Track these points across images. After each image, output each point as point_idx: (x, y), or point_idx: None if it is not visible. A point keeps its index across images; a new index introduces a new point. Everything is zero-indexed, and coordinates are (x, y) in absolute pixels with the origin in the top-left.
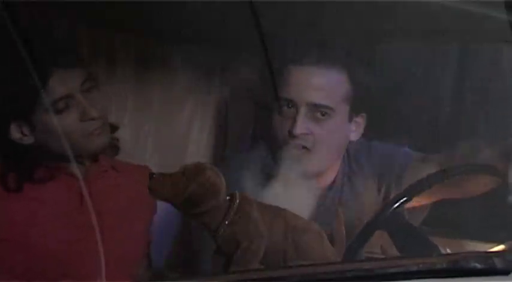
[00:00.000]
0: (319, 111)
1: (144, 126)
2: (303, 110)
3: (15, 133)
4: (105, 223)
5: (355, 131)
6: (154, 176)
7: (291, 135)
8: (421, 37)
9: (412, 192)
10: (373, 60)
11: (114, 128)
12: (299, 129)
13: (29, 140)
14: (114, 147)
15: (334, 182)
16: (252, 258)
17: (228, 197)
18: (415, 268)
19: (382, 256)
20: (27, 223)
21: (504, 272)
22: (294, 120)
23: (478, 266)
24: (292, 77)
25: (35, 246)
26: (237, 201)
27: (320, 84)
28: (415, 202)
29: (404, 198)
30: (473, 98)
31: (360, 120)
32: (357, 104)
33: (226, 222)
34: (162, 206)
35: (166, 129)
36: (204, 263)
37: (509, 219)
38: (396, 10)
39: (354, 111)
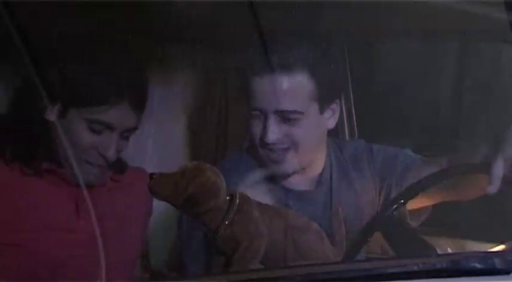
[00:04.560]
0: (289, 116)
1: (143, 127)
2: (272, 118)
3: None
4: (104, 225)
5: (331, 117)
6: (154, 176)
7: (264, 143)
8: (421, 37)
9: (410, 193)
10: (373, 60)
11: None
12: (271, 138)
13: (51, 117)
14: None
15: (321, 174)
16: (252, 258)
17: (228, 197)
18: (415, 268)
19: (382, 256)
20: (27, 226)
21: (504, 272)
22: (265, 129)
23: (478, 266)
24: (256, 87)
25: (34, 249)
26: (237, 201)
27: (285, 90)
28: (415, 204)
29: (402, 200)
30: (473, 98)
31: (335, 107)
32: (324, 97)
33: (226, 222)
34: (161, 205)
35: (166, 129)
36: (205, 263)
37: (509, 219)
38: (396, 10)
39: (324, 104)
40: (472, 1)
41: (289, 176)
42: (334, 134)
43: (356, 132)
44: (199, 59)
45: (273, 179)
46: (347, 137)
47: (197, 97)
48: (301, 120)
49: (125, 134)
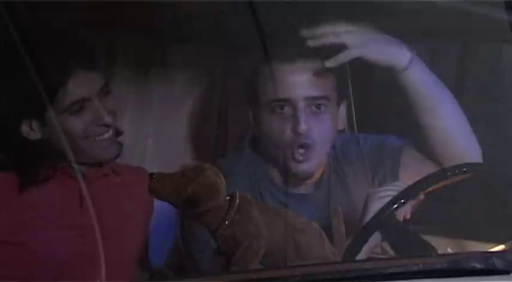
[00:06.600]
0: (315, 105)
1: (144, 127)
2: (302, 106)
3: (24, 127)
4: (104, 225)
5: (341, 118)
6: (154, 176)
7: (297, 133)
8: (421, 37)
9: (410, 193)
10: None
11: (118, 133)
12: (303, 125)
13: (36, 135)
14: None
15: (321, 177)
16: (252, 258)
17: (228, 197)
18: (415, 268)
19: (382, 256)
20: (28, 225)
21: (504, 272)
22: (296, 119)
23: (478, 266)
24: (283, 76)
25: (36, 248)
26: (237, 201)
27: (311, 77)
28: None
29: (402, 200)
30: (473, 98)
31: (342, 108)
32: (341, 90)
33: (226, 222)
34: (161, 205)
35: (166, 129)
36: (204, 263)
37: (509, 219)
38: (396, 10)
39: (340, 98)
40: (472, 1)
41: (310, 176)
42: None
43: (356, 132)
44: (199, 59)
45: (294, 180)
46: None
47: (197, 97)
48: (323, 111)
49: (104, 92)
